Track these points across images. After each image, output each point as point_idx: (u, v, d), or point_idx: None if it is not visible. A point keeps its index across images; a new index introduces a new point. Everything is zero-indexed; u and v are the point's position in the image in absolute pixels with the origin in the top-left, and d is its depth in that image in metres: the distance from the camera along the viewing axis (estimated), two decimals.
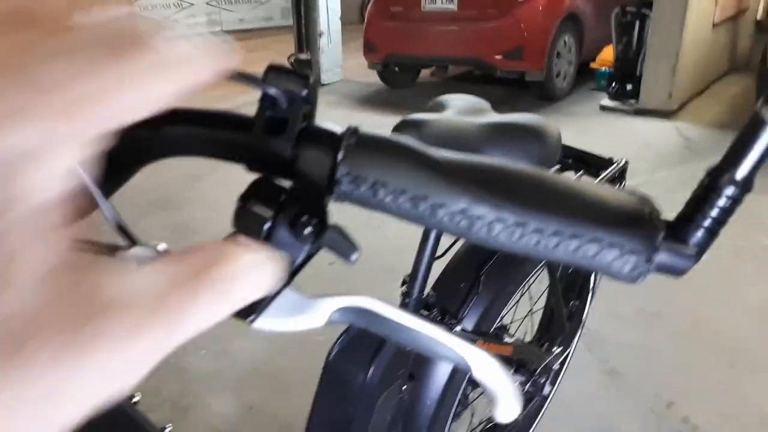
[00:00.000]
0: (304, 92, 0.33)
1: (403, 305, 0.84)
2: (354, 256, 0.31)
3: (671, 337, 1.93)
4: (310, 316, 0.33)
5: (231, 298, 0.15)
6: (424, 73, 6.01)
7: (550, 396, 1.32)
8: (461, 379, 0.99)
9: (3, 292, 0.12)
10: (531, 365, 1.15)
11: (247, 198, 0.32)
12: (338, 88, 5.82)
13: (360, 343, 0.80)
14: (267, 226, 0.31)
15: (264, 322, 0.32)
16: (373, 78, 5.80)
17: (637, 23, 4.41)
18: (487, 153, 0.73)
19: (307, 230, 0.31)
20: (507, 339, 0.98)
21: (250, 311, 0.32)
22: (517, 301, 1.08)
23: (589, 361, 1.80)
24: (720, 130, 4.02)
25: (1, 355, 0.12)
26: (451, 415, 1.02)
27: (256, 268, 0.16)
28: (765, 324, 1.97)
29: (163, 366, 0.16)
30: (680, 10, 4.12)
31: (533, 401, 1.28)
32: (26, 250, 0.12)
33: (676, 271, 0.31)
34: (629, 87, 4.53)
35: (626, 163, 1.18)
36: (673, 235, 0.31)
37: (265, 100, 0.33)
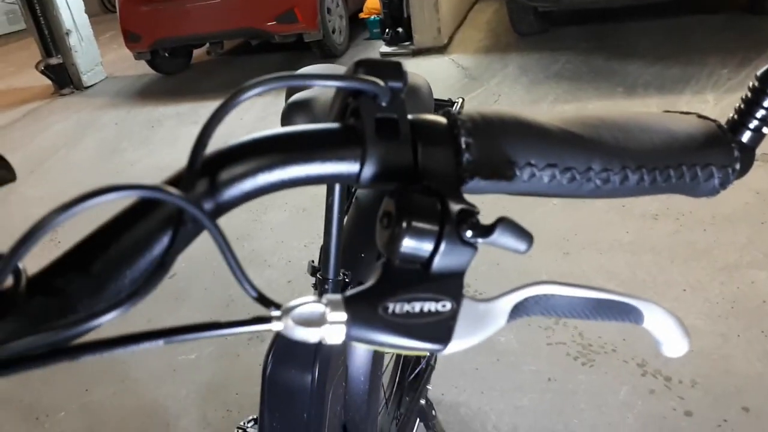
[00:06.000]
0: (403, 84, 0.29)
1: (323, 293, 0.81)
2: (527, 246, 0.28)
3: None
4: (492, 322, 0.30)
5: None
6: (198, 52, 5.68)
7: None
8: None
9: None
10: None
11: (401, 217, 0.27)
12: (105, 87, 5.26)
13: (296, 346, 0.75)
14: (435, 241, 0.27)
15: (457, 344, 0.28)
16: (141, 69, 5.34)
17: None
18: None
19: (475, 232, 0.27)
20: None
21: (443, 337, 0.28)
22: None
23: None
24: (486, 54, 4.43)
25: None
26: (381, 383, 1.03)
27: None
28: None
29: None
30: None
31: None
32: None
33: (743, 173, 0.34)
34: (401, 30, 4.75)
35: (463, 100, 1.25)
36: (738, 142, 0.34)
37: (364, 100, 0.28)
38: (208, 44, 5.39)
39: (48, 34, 5.03)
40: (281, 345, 0.75)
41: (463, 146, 0.30)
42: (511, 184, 0.31)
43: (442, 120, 0.31)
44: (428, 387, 1.34)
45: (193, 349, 1.85)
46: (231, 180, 0.27)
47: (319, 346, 0.75)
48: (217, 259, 2.33)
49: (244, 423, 1.13)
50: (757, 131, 0.34)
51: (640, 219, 2.18)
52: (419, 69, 4.36)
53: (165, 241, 0.26)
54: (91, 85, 5.29)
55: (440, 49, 4.62)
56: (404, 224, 0.26)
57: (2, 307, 0.23)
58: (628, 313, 0.32)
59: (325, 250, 0.81)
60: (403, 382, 1.29)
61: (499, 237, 0.27)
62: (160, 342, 0.25)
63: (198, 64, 5.56)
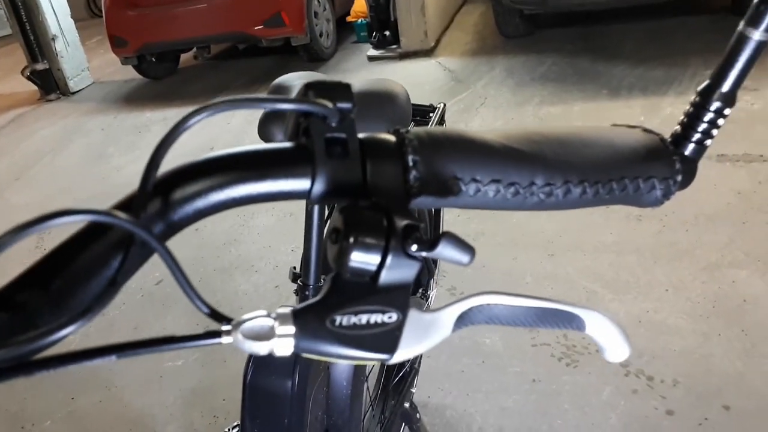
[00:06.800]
0: (352, 104, 0.30)
1: (303, 299, 0.82)
2: (469, 258, 0.29)
3: (497, 248, 2.15)
4: (437, 331, 0.31)
5: None
6: (186, 56, 5.67)
7: None
8: None
9: None
10: None
11: (348, 233, 0.28)
12: (92, 93, 5.23)
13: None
14: (381, 256, 0.28)
15: (402, 353, 0.30)
16: (128, 73, 5.32)
17: None
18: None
19: (420, 246, 0.28)
20: None
21: (389, 348, 0.29)
22: None
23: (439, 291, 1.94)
24: (473, 57, 4.46)
25: None
26: (365, 387, 1.03)
27: None
28: None
29: None
30: None
31: None
32: None
33: (686, 184, 0.36)
34: (388, 34, 4.77)
35: (444, 105, 1.26)
36: (680, 155, 0.35)
37: (313, 121, 0.30)
38: (195, 48, 5.39)
39: (34, 39, 5.00)
40: None
41: (411, 164, 0.31)
42: (458, 198, 0.32)
43: (391, 138, 0.32)
44: (412, 390, 1.35)
45: (180, 356, 1.85)
46: (182, 200, 0.29)
47: None
48: (204, 265, 2.33)
49: (229, 429, 1.13)
50: (699, 144, 0.35)
51: (624, 220, 2.20)
52: (406, 72, 4.40)
53: (117, 261, 0.27)
54: (78, 91, 5.27)
55: (427, 52, 4.64)
56: (351, 239, 0.28)
57: None
58: (571, 321, 0.33)
59: (305, 257, 0.83)
60: (388, 386, 1.30)
61: (443, 250, 0.28)
62: (113, 357, 0.26)
63: (185, 69, 5.55)
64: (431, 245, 0.28)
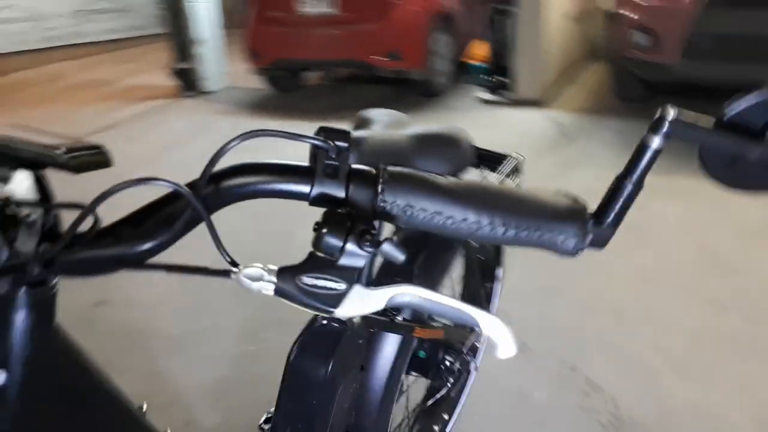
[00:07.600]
0: (347, 144, 0.43)
1: None
2: (402, 258, 0.42)
3: (567, 307, 2.15)
4: (373, 302, 0.44)
5: None
6: (312, 75, 6.06)
7: (476, 371, 1.45)
8: (402, 366, 1.09)
9: None
10: (459, 345, 1.27)
11: (323, 226, 0.42)
12: (225, 95, 5.73)
13: (318, 341, 0.86)
14: (341, 245, 0.42)
15: (342, 311, 0.43)
16: (259, 83, 5.77)
17: (507, 19, 4.75)
18: (416, 162, 0.83)
19: (368, 244, 0.41)
20: (438, 323, 1.09)
21: (333, 304, 0.43)
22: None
23: None
24: (587, 115, 4.44)
25: None
26: (395, 399, 1.11)
27: None
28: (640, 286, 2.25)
29: None
30: (539, 6, 4.50)
31: (463, 377, 1.40)
32: None
33: (600, 245, 0.47)
34: (503, 79, 4.87)
35: (522, 157, 1.33)
36: (596, 221, 0.47)
37: (320, 152, 0.44)
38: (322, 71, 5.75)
39: (183, 41, 5.59)
40: (307, 336, 0.87)
41: (380, 190, 0.44)
42: (410, 220, 0.45)
43: (372, 171, 0.46)
44: (445, 416, 1.40)
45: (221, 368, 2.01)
46: (226, 188, 0.45)
47: (339, 342, 0.86)
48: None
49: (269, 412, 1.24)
50: (616, 216, 0.47)
51: (707, 305, 2.13)
52: (515, 119, 4.45)
53: (183, 217, 0.43)
54: (213, 92, 5.79)
55: (539, 103, 4.68)
56: (325, 230, 0.42)
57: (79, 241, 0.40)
58: (472, 320, 0.44)
59: None
60: (425, 406, 1.37)
61: (384, 249, 0.42)
62: (163, 270, 0.40)
63: (310, 87, 5.94)
64: (378, 245, 0.42)
